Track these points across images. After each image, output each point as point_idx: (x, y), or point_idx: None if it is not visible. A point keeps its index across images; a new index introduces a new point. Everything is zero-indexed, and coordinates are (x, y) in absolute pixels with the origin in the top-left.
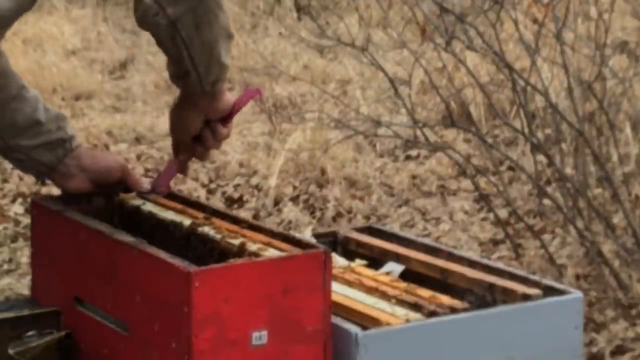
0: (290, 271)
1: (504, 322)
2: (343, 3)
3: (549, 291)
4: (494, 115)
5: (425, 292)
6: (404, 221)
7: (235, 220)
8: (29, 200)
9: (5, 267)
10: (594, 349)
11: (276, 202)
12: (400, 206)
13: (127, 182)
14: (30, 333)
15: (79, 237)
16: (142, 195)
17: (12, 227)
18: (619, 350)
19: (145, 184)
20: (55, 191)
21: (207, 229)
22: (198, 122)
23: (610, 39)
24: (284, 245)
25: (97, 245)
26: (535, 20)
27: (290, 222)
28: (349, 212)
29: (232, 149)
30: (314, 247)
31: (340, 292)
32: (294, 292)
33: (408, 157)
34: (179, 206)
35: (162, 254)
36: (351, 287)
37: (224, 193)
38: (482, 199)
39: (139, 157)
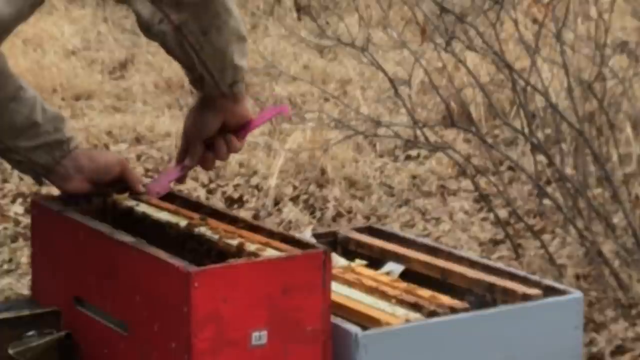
0: (290, 271)
1: (504, 322)
2: (343, 3)
3: (549, 291)
4: (494, 115)
5: (425, 292)
6: (404, 221)
7: (232, 221)
8: (29, 200)
9: (5, 267)
10: (594, 349)
11: (276, 202)
12: (400, 206)
13: (126, 179)
14: (30, 333)
15: (79, 237)
16: (135, 196)
17: (12, 227)
18: (619, 350)
19: (144, 182)
20: (55, 191)
21: (203, 230)
22: (215, 123)
23: (610, 39)
24: (282, 245)
25: (97, 245)
26: (535, 20)
27: (290, 222)
28: (349, 212)
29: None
30: (314, 247)
31: (340, 292)
32: (294, 292)
33: (408, 157)
34: (172, 207)
35: (162, 254)
36: (351, 287)
37: (224, 193)
38: (482, 199)
39: (139, 157)
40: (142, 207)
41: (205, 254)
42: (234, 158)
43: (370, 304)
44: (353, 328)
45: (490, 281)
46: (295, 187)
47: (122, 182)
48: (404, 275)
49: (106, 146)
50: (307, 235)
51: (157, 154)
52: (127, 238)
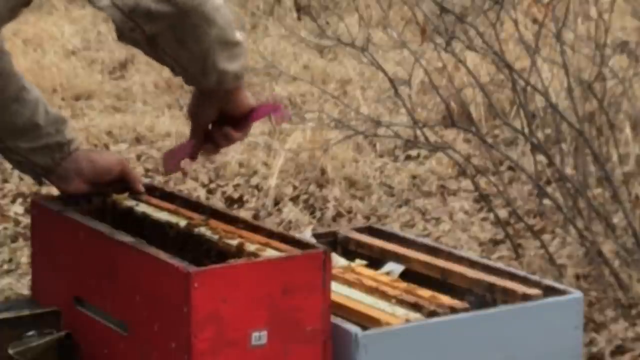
0: (289, 271)
1: (504, 322)
2: (343, 3)
3: (549, 291)
4: (494, 115)
5: (425, 292)
6: (404, 221)
7: (232, 221)
8: (29, 200)
9: (5, 267)
10: (594, 349)
11: (276, 202)
12: (400, 206)
13: (127, 179)
14: (30, 333)
15: (79, 237)
16: (135, 196)
17: (12, 227)
18: (619, 350)
19: (144, 182)
20: (55, 191)
21: (203, 230)
22: (211, 112)
23: (610, 39)
24: (282, 245)
25: (97, 245)
26: (535, 20)
27: (290, 222)
28: (349, 212)
29: (232, 149)
30: (314, 247)
31: (340, 292)
32: (294, 292)
33: (408, 157)
34: (172, 207)
35: (162, 255)
36: (351, 287)
37: (224, 193)
38: (482, 199)
39: (139, 157)
40: (142, 207)
41: (205, 254)
42: (233, 158)
43: (370, 304)
44: (353, 328)
45: (490, 281)
46: (295, 187)
47: (122, 182)
48: (404, 275)
49: (106, 146)
50: (307, 235)
51: (157, 154)
52: (127, 238)
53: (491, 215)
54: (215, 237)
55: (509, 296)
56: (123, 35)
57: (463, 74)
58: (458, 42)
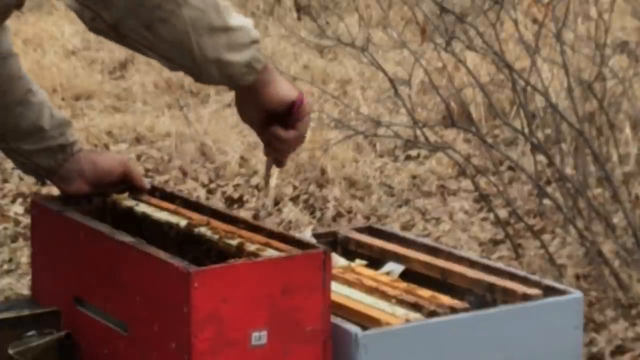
0: (289, 271)
1: (504, 322)
2: (343, 3)
3: (549, 291)
4: (494, 115)
5: (425, 292)
6: (404, 221)
7: (232, 221)
8: (29, 200)
9: (5, 267)
10: (594, 349)
11: (276, 202)
12: (400, 206)
13: (130, 179)
14: (30, 333)
15: (79, 237)
16: (135, 196)
17: (12, 227)
18: (619, 350)
19: (146, 182)
20: (56, 191)
21: (203, 230)
22: (252, 114)
23: (610, 39)
24: (282, 245)
25: (97, 245)
26: (535, 20)
27: (290, 222)
28: (349, 212)
29: (232, 149)
30: (314, 247)
31: (340, 292)
32: (294, 292)
33: (408, 157)
34: (172, 207)
35: (162, 254)
36: (351, 287)
37: (224, 193)
38: (482, 199)
39: (139, 157)
40: (142, 207)
41: (205, 254)
42: (234, 158)
43: (370, 304)
44: (353, 328)
45: (490, 281)
46: (295, 187)
47: (124, 182)
48: (404, 275)
49: (106, 146)
50: (307, 235)
51: (157, 154)
52: (127, 238)
53: (491, 215)
54: (216, 237)
55: (509, 296)
56: (88, 27)
57: (463, 74)
58: (458, 42)
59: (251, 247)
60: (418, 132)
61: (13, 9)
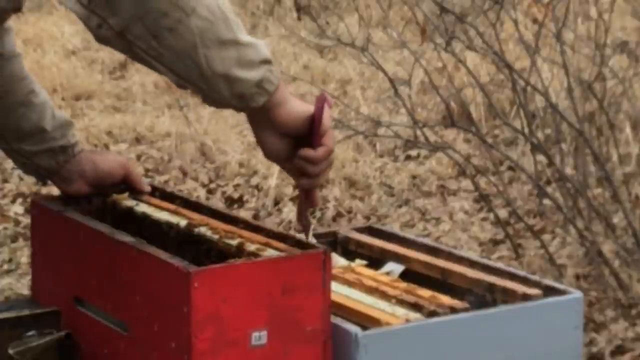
0: (289, 271)
1: (504, 322)
2: (343, 3)
3: (549, 291)
4: (494, 115)
5: (425, 292)
6: (404, 221)
7: (232, 221)
8: (29, 200)
9: (5, 267)
10: (594, 349)
11: (276, 202)
12: (400, 206)
13: (130, 181)
14: (30, 333)
15: (79, 237)
16: (135, 196)
17: (12, 227)
18: (619, 350)
19: (147, 185)
20: (56, 191)
21: (203, 230)
22: (275, 140)
23: (610, 39)
24: (282, 245)
25: (97, 245)
26: (535, 20)
27: (290, 222)
28: (349, 212)
29: (232, 149)
30: (314, 247)
31: (340, 292)
32: (294, 292)
33: (408, 157)
34: (172, 207)
35: (162, 254)
36: (351, 287)
37: (224, 193)
38: (482, 199)
39: (139, 157)
40: (142, 207)
41: (205, 254)
42: (234, 158)
43: (370, 304)
44: (353, 328)
45: (490, 281)
46: (295, 187)
47: (124, 183)
48: (404, 275)
49: (106, 146)
50: None
51: (157, 154)
52: (127, 238)
53: (491, 215)
54: (216, 237)
55: (509, 296)
56: (94, 35)
57: (463, 74)
58: (458, 42)
59: (251, 247)
60: (418, 132)
61: (10, 12)
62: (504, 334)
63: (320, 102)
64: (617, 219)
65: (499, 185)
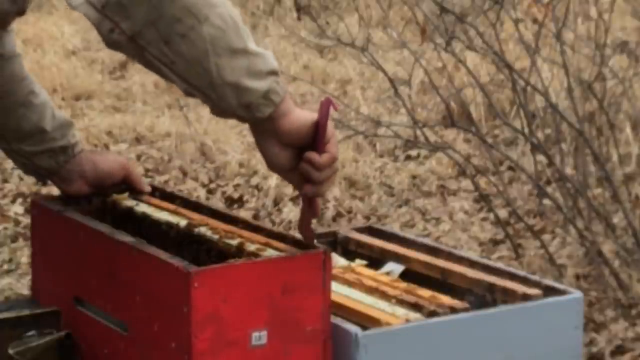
0: (289, 271)
1: (504, 322)
2: (343, 3)
3: (549, 291)
4: (494, 115)
5: (425, 292)
6: (404, 221)
7: (232, 221)
8: (29, 200)
9: (5, 267)
10: (594, 349)
11: (276, 202)
12: (400, 206)
13: (130, 181)
14: (30, 333)
15: (79, 237)
16: (135, 196)
17: (12, 227)
18: (619, 350)
19: (147, 185)
20: (56, 191)
21: (203, 230)
22: (278, 151)
23: (610, 39)
24: (282, 245)
25: (97, 245)
26: (535, 20)
27: (290, 222)
28: (349, 212)
29: (232, 149)
30: (314, 247)
31: (340, 292)
32: (294, 292)
33: (408, 157)
34: (172, 207)
35: (162, 254)
36: (351, 287)
37: (224, 193)
38: (482, 199)
39: (139, 157)
40: (142, 207)
41: (205, 254)
42: (234, 158)
43: (370, 304)
44: (353, 328)
45: (490, 281)
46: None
47: (124, 183)
48: (404, 275)
49: (106, 146)
50: None
51: (157, 154)
52: (127, 238)
53: (491, 215)
54: (216, 237)
55: (509, 296)
56: (105, 41)
57: (463, 74)
58: (458, 42)
59: (251, 247)
60: (418, 132)
61: (14, 15)
62: (504, 334)
63: (325, 106)
64: (617, 219)
65: (499, 185)
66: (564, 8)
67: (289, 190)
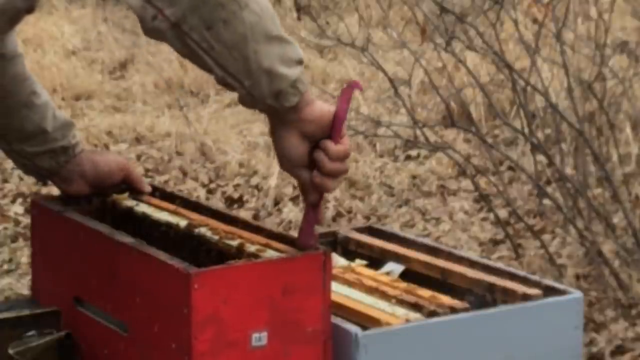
0: (290, 272)
1: (504, 322)
2: (343, 3)
3: (549, 291)
4: (494, 115)
5: (425, 292)
6: (404, 221)
7: (232, 221)
8: (29, 200)
9: (5, 267)
10: (594, 349)
11: (276, 202)
12: (400, 206)
13: (131, 181)
14: (30, 333)
15: (79, 238)
16: (135, 196)
17: (12, 227)
18: (619, 350)
19: (147, 184)
20: (56, 191)
21: (203, 230)
22: (297, 143)
23: (610, 39)
24: (282, 246)
25: (97, 245)
26: (535, 20)
27: (290, 222)
28: (349, 212)
29: (232, 149)
30: (314, 248)
31: (340, 292)
32: (294, 293)
33: (408, 157)
34: (172, 207)
35: (162, 255)
36: (351, 287)
37: (224, 193)
38: (482, 199)
39: (139, 157)
40: (142, 208)
41: (205, 254)
42: (234, 158)
43: (370, 304)
44: (353, 328)
45: (490, 281)
46: (295, 187)
47: (125, 183)
48: (404, 275)
49: (106, 146)
50: None
51: (157, 154)
52: (127, 239)
53: (491, 215)
54: (216, 237)
55: (509, 296)
56: (146, 28)
57: (463, 74)
58: (458, 42)
59: (251, 248)
60: (418, 132)
61: (24, 13)
62: (504, 334)
63: (346, 94)
64: (617, 219)
65: (499, 185)
66: (564, 8)
67: (289, 190)
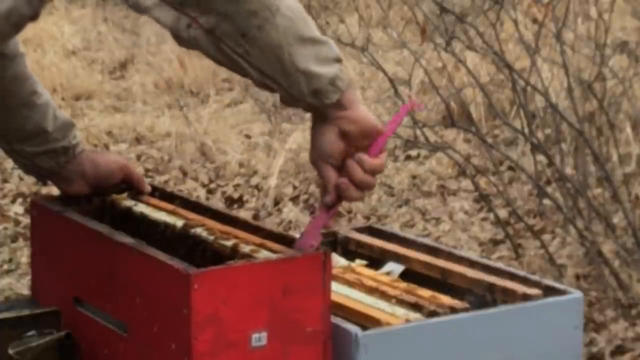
0: (289, 272)
1: (504, 322)
2: (343, 3)
3: (549, 291)
4: (494, 115)
5: (425, 292)
6: (404, 221)
7: (231, 221)
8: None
9: (5, 267)
10: (594, 349)
11: (276, 202)
12: (400, 206)
13: (131, 181)
14: (30, 333)
15: (79, 238)
16: (134, 196)
17: (12, 227)
18: (619, 350)
19: (147, 184)
20: (55, 191)
21: (199, 230)
22: (332, 139)
23: (610, 39)
24: (278, 246)
25: (96, 246)
26: (535, 20)
27: (290, 222)
28: (349, 212)
29: (232, 149)
30: (314, 249)
31: (340, 292)
32: (294, 293)
33: (408, 157)
34: (170, 207)
35: (162, 256)
36: (351, 287)
37: (224, 193)
38: (482, 199)
39: (139, 157)
40: (140, 208)
41: (200, 254)
42: (234, 158)
43: (370, 304)
44: (353, 328)
45: (490, 281)
46: (295, 187)
47: (125, 183)
48: (404, 275)
49: (106, 146)
50: None
51: (157, 154)
52: (127, 239)
53: (491, 215)
54: (211, 237)
55: (509, 296)
56: (180, 38)
57: (463, 74)
58: (458, 42)
59: (245, 249)
60: (418, 132)
61: (28, 20)
62: (504, 334)
63: (403, 110)
64: (617, 219)
65: (499, 185)
66: (564, 8)
67: (289, 190)
